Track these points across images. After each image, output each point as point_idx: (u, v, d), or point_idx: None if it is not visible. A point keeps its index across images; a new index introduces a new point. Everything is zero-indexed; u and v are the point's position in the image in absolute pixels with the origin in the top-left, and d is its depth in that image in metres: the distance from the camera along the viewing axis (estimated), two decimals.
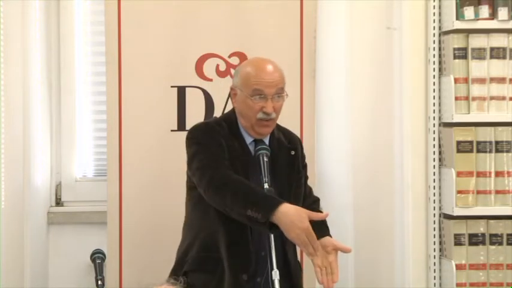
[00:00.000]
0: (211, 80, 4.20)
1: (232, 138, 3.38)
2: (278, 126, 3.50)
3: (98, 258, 3.18)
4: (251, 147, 3.39)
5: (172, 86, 4.19)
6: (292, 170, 3.45)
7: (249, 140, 3.41)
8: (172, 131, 4.17)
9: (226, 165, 3.29)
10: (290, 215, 3.07)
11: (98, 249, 3.22)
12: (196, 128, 3.44)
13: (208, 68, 4.20)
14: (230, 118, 3.46)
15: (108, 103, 4.16)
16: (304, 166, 3.55)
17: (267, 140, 3.43)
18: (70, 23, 4.57)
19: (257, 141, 3.40)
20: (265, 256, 3.24)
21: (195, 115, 4.07)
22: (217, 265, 3.31)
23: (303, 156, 3.56)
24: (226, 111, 4.11)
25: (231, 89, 3.45)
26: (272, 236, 3.13)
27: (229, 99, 4.06)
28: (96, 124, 4.61)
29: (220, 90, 4.13)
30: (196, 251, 3.37)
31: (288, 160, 3.45)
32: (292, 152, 3.47)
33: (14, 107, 4.01)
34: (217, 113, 4.15)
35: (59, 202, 4.61)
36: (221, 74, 4.17)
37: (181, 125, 4.17)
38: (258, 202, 3.12)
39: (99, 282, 3.08)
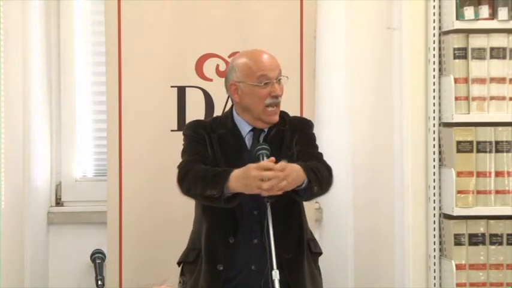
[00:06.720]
0: (211, 80, 4.21)
1: (224, 128, 3.46)
2: (284, 117, 3.52)
3: (98, 258, 3.17)
4: (249, 137, 3.45)
5: (172, 86, 4.19)
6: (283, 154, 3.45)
7: (246, 130, 3.46)
8: (172, 131, 4.18)
9: (201, 159, 3.39)
10: (239, 175, 3.22)
11: (98, 249, 3.21)
12: (186, 125, 3.59)
13: (208, 68, 4.20)
14: (226, 113, 3.58)
15: (108, 103, 4.17)
16: (307, 144, 3.53)
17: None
18: (70, 23, 4.56)
19: (255, 131, 3.44)
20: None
21: (195, 115, 4.06)
22: (198, 256, 3.44)
23: (305, 137, 3.54)
24: (226, 111, 4.12)
25: (231, 84, 3.46)
26: (272, 235, 3.15)
27: (229, 99, 4.07)
28: (96, 124, 4.60)
29: (220, 90, 4.11)
30: (187, 244, 3.54)
31: (279, 147, 3.46)
32: (286, 139, 3.48)
33: (14, 107, 4.01)
34: (217, 112, 4.15)
35: (59, 202, 4.61)
36: (221, 74, 4.17)
37: (181, 125, 4.17)
38: (211, 179, 3.26)
39: (99, 282, 3.06)
